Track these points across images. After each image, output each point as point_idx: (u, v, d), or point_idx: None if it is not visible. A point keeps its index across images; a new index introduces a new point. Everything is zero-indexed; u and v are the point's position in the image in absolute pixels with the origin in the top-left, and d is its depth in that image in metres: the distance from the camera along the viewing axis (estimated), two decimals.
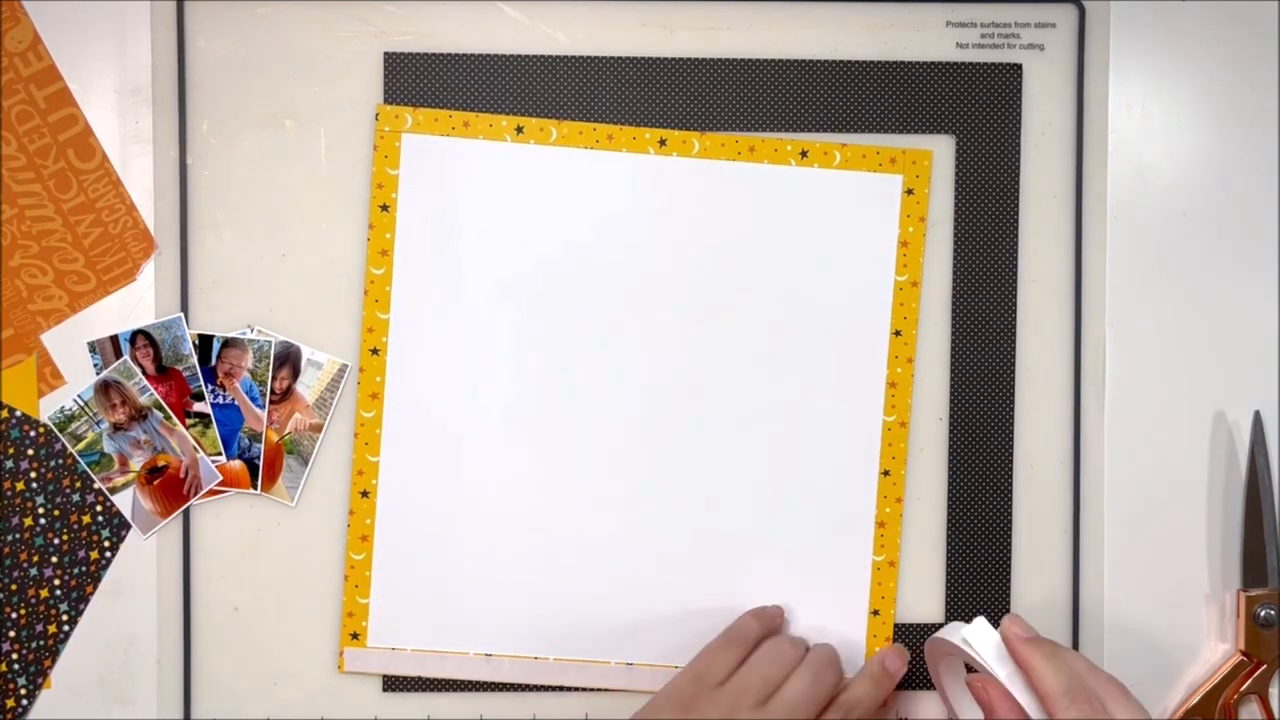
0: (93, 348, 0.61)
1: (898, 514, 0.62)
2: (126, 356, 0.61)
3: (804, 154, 0.61)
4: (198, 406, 0.61)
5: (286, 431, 0.61)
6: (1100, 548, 0.62)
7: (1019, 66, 0.62)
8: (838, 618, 0.62)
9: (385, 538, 0.61)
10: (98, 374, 0.61)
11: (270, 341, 0.61)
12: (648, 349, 0.61)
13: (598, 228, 0.61)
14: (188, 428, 0.61)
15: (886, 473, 0.61)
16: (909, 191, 0.61)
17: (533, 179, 0.61)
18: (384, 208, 0.60)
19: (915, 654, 0.62)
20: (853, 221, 0.61)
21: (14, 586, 0.60)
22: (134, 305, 0.61)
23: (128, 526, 0.61)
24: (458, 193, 0.61)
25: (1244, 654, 0.62)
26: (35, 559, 0.60)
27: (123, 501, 0.61)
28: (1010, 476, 0.62)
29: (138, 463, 0.61)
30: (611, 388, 0.61)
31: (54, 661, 0.61)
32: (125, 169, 0.61)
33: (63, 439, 0.61)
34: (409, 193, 0.60)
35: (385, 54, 0.61)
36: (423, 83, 0.61)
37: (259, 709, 0.61)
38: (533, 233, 0.61)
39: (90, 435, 0.61)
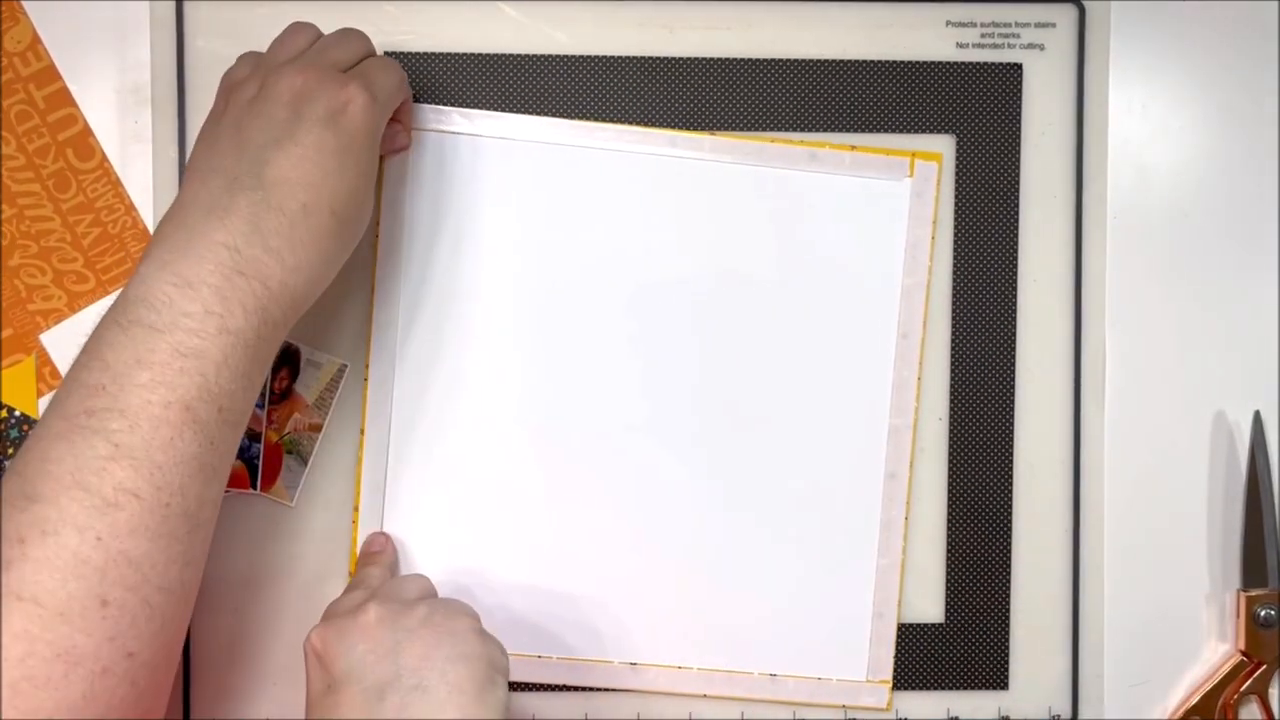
0: None
1: (902, 517, 0.62)
2: None
3: (813, 156, 0.61)
4: None
5: (286, 432, 0.61)
6: (1100, 548, 0.62)
7: (1019, 66, 0.62)
8: (841, 620, 0.61)
9: (393, 536, 0.61)
10: None
11: None
12: (655, 349, 0.61)
13: (606, 227, 0.61)
14: None
15: (893, 475, 0.61)
16: (918, 194, 0.61)
17: (540, 177, 0.61)
18: (392, 204, 0.60)
19: None
20: (861, 223, 0.61)
21: None
22: None
23: None
24: (465, 191, 0.61)
25: (1244, 654, 0.62)
26: None
27: None
28: (1010, 476, 0.62)
29: None
30: (617, 388, 0.61)
31: None
32: (125, 169, 0.61)
33: None
34: (415, 191, 0.60)
35: (385, 54, 0.61)
36: (423, 83, 0.61)
37: (259, 709, 0.61)
38: (540, 232, 0.61)
39: None
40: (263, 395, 0.60)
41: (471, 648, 0.51)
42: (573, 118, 0.61)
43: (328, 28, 0.60)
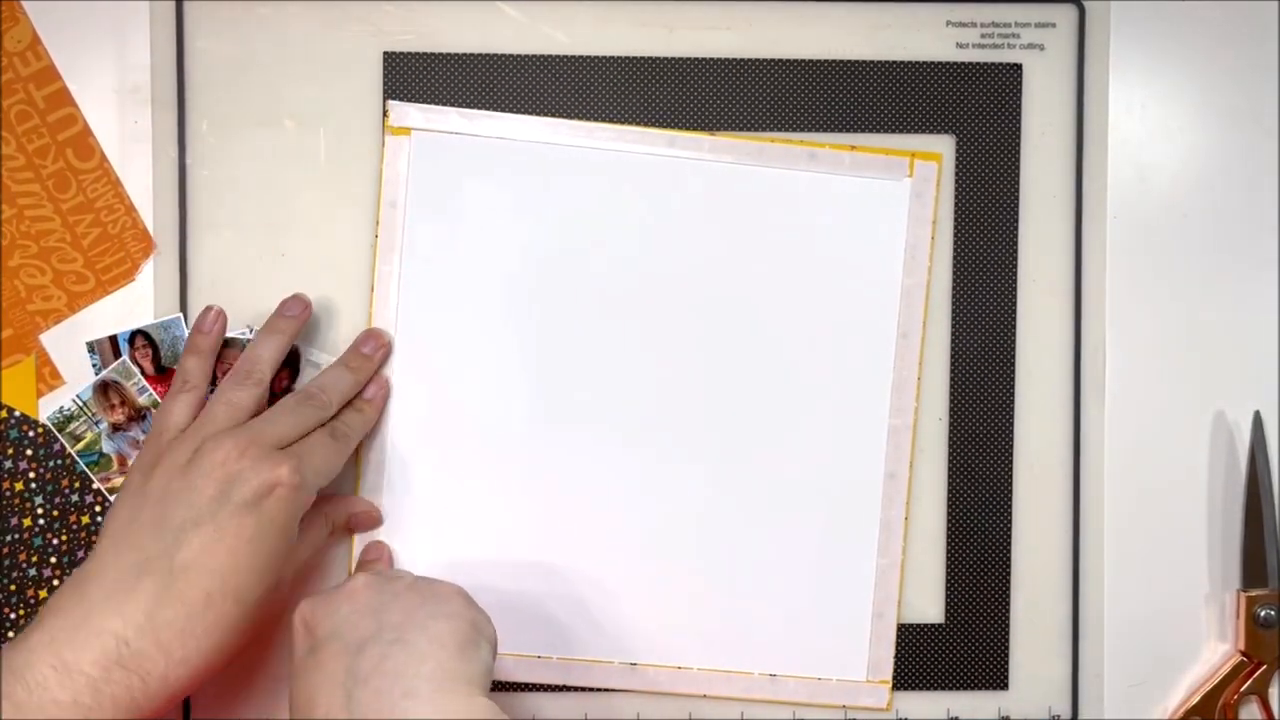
0: (91, 348, 0.61)
1: (902, 517, 0.62)
2: (125, 357, 0.61)
3: (813, 156, 0.61)
4: None
5: None
6: (1100, 548, 0.62)
7: (1019, 66, 0.62)
8: (841, 620, 0.61)
9: (389, 538, 0.61)
10: (96, 374, 0.61)
11: None
12: (654, 350, 0.61)
13: (605, 227, 0.61)
14: None
15: (892, 475, 0.61)
16: (917, 194, 0.61)
17: (540, 177, 0.61)
18: (392, 204, 0.60)
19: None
20: (861, 223, 0.61)
21: (13, 587, 0.60)
22: (133, 305, 0.61)
23: None
24: (466, 190, 0.61)
25: (1244, 654, 0.62)
26: (35, 559, 0.60)
27: None
28: (1010, 476, 0.62)
29: None
30: (617, 389, 0.61)
31: None
32: (124, 169, 0.61)
33: (61, 439, 0.60)
34: (417, 190, 0.60)
35: (385, 54, 0.61)
36: (423, 82, 0.61)
37: (259, 709, 0.61)
38: (539, 231, 0.61)
39: (89, 435, 0.61)
40: None
41: (455, 608, 0.50)
42: (573, 118, 0.61)
43: (327, 27, 0.60)
